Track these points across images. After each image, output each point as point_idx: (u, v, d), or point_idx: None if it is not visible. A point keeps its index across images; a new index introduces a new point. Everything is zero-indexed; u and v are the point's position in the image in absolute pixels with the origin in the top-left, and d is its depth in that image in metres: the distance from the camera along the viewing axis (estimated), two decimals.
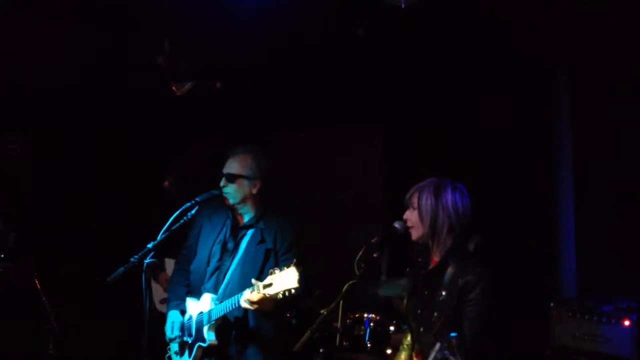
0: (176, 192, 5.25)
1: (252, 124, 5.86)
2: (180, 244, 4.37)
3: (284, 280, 3.57)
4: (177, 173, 5.30)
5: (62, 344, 4.98)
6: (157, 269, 5.24)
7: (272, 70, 5.42)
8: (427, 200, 3.46)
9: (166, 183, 5.31)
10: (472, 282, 3.36)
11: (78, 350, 5.45)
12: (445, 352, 2.96)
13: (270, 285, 3.62)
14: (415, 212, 3.50)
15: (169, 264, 5.28)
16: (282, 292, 3.58)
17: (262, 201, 4.10)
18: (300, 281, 3.54)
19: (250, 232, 4.06)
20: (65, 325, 4.95)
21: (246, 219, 4.10)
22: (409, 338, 3.69)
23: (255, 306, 3.72)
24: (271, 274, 3.63)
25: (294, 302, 4.01)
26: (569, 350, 4.27)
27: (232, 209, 4.11)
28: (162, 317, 5.05)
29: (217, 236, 4.11)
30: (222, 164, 4.09)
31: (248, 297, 3.71)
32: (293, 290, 3.57)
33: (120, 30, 4.97)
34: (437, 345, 2.99)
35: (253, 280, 3.71)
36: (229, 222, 4.12)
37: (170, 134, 5.89)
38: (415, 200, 3.50)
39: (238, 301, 3.80)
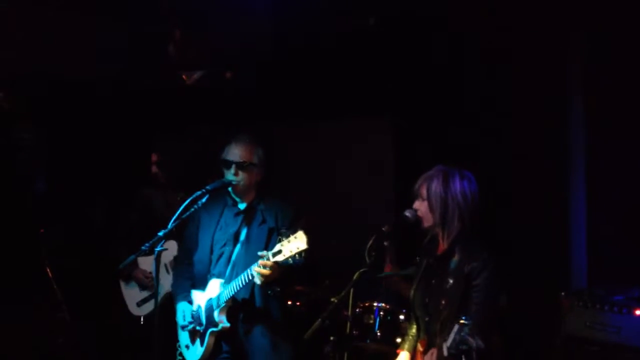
0: (164, 179, 5.17)
1: (261, 114, 5.85)
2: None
3: (293, 244, 3.59)
4: (167, 160, 5.16)
5: (72, 333, 5.00)
6: (128, 268, 5.00)
7: (281, 60, 5.41)
8: (436, 190, 3.45)
9: (154, 168, 5.19)
10: (478, 268, 3.36)
11: (87, 340, 5.47)
12: (463, 333, 2.98)
13: (279, 252, 3.64)
14: (425, 203, 3.49)
15: (143, 262, 5.11)
16: (292, 256, 3.60)
17: (261, 187, 4.14)
18: (309, 242, 3.54)
19: (250, 214, 4.08)
20: (76, 315, 4.98)
21: (245, 204, 4.12)
22: (414, 329, 3.69)
23: (266, 276, 3.73)
24: (279, 241, 3.66)
25: (303, 273, 4.02)
26: (579, 339, 4.25)
27: (230, 196, 4.12)
28: (139, 321, 4.99)
29: (217, 224, 4.13)
30: (217, 152, 4.11)
31: (258, 269, 3.72)
32: (303, 253, 3.58)
33: (126, 20, 4.98)
34: (456, 327, 3.00)
35: (260, 253, 3.73)
36: (227, 209, 4.15)
37: (179, 122, 5.84)
38: (424, 190, 3.49)
39: (247, 276, 3.81)
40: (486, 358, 3.07)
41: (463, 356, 2.98)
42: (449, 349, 3.02)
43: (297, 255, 3.60)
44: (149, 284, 5.04)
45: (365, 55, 5.37)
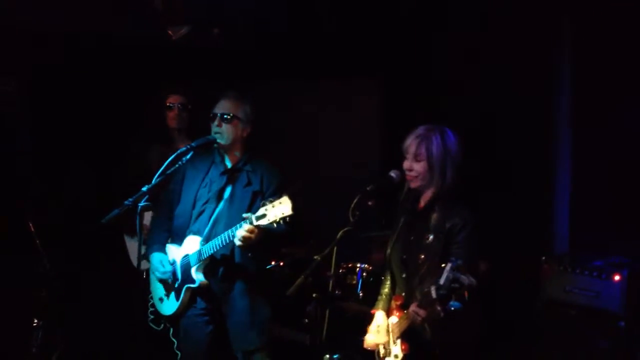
0: (178, 127, 5.06)
1: (251, 73, 5.79)
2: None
3: (278, 209, 3.56)
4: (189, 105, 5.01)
5: (55, 288, 4.98)
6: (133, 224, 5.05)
7: (272, 19, 5.35)
8: (437, 150, 3.43)
9: (173, 113, 5.03)
10: (459, 225, 3.38)
11: (70, 294, 5.46)
12: (456, 272, 3.00)
13: (263, 216, 3.61)
14: (422, 163, 3.45)
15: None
16: (276, 221, 3.58)
17: (249, 146, 4.11)
18: (294, 208, 3.51)
19: (236, 175, 4.06)
20: (59, 270, 4.95)
21: (232, 162, 4.10)
22: (387, 288, 3.72)
23: (247, 239, 3.72)
24: (263, 205, 3.63)
25: (284, 237, 4.01)
26: (559, 303, 4.32)
27: (217, 153, 4.10)
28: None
29: (203, 180, 4.10)
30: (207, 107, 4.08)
31: (241, 231, 3.70)
32: (287, 218, 3.56)
33: None
34: (448, 266, 3.03)
35: (245, 215, 3.70)
36: (213, 166, 4.12)
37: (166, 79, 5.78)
38: (422, 150, 3.44)
39: (229, 237, 3.80)
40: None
41: (453, 295, 3.00)
42: (438, 289, 3.04)
43: (281, 221, 3.58)
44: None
45: (357, 16, 5.32)
